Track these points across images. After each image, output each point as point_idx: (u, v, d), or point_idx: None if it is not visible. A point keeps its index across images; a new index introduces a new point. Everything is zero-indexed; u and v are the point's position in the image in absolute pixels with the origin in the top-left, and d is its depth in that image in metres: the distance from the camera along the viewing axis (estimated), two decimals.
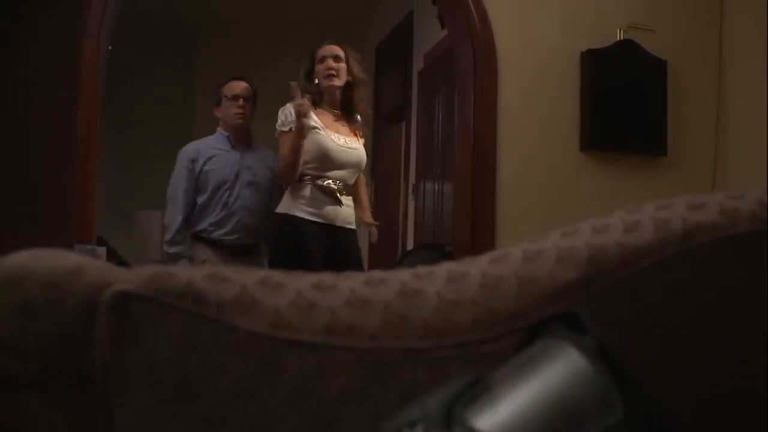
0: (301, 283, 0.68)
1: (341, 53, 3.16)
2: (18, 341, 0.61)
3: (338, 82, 3.13)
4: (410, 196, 5.08)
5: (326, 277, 0.69)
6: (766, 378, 0.69)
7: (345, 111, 3.17)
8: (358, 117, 3.21)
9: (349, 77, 3.16)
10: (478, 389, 0.48)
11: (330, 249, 2.95)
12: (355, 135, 3.16)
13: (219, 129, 3.42)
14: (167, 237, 3.30)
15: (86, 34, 2.68)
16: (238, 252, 3.28)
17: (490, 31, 3.13)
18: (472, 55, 3.14)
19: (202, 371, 0.62)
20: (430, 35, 4.61)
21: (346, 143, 3.07)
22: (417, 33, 5.07)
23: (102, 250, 2.86)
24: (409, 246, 4.97)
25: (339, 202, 3.00)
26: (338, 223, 3.01)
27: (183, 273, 0.65)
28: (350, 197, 3.09)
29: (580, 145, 3.22)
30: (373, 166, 5.86)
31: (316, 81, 3.11)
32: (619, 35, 3.23)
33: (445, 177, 4.33)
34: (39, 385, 0.63)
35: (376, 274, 0.71)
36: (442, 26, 3.85)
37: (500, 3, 3.16)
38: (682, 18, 3.35)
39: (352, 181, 3.10)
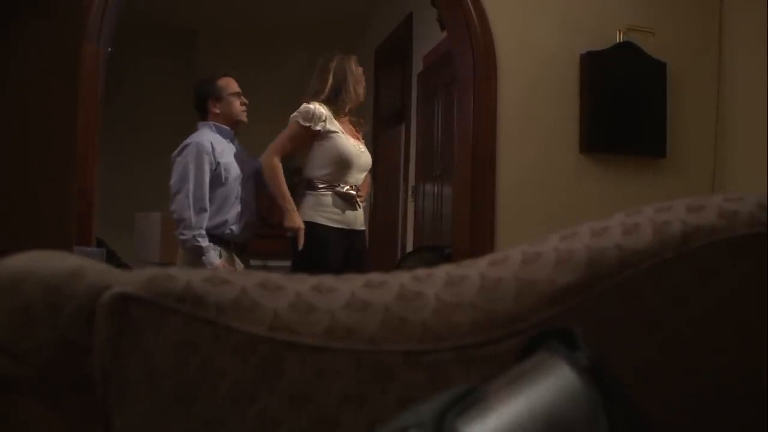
0: (300, 285, 0.67)
1: None
2: (17, 344, 0.61)
3: None
4: (410, 198, 5.08)
5: (326, 280, 0.69)
6: (766, 381, 0.69)
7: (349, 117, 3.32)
8: (362, 120, 3.38)
9: None
10: (471, 400, 0.49)
11: (348, 252, 3.10)
12: (359, 138, 3.30)
13: (213, 123, 3.33)
14: (196, 231, 3.08)
15: (86, 36, 2.68)
16: (243, 250, 3.27)
17: (490, 34, 3.13)
18: (471, 57, 3.14)
19: (201, 375, 0.62)
20: (429, 37, 4.61)
21: (359, 147, 3.22)
22: (416, 35, 5.08)
23: (101, 252, 2.85)
24: (409, 248, 4.97)
25: (357, 207, 3.15)
26: (356, 227, 3.17)
27: (182, 275, 0.65)
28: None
29: (580, 147, 3.22)
30: (372, 168, 5.88)
31: (352, 89, 3.22)
32: (619, 37, 3.23)
33: (445, 179, 4.33)
34: (38, 388, 0.63)
35: (376, 276, 0.71)
36: (442, 28, 3.86)
37: (500, 5, 3.16)
38: (682, 20, 3.35)
39: (359, 182, 3.23)
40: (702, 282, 0.70)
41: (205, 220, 3.13)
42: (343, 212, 3.11)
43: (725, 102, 3.33)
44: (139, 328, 0.62)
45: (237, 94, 3.37)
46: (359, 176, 3.21)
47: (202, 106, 3.38)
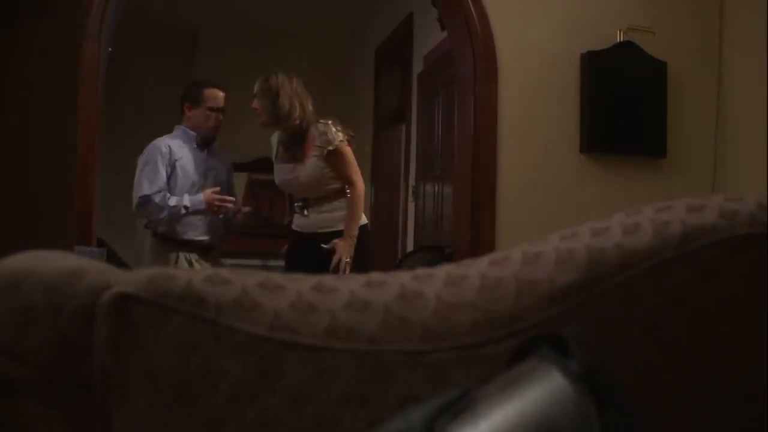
0: (301, 285, 0.67)
1: None
2: (17, 344, 0.61)
3: None
4: (410, 198, 5.08)
5: (327, 279, 0.69)
6: (766, 381, 0.69)
7: (294, 138, 3.33)
8: (315, 135, 3.28)
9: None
10: (462, 406, 0.48)
11: (298, 252, 3.35)
12: (301, 158, 3.28)
13: (184, 127, 3.41)
14: (168, 205, 3.21)
15: (86, 36, 2.68)
16: (204, 250, 3.35)
17: (490, 34, 3.13)
18: (471, 57, 3.14)
19: (202, 375, 0.62)
20: (430, 37, 4.60)
21: (291, 172, 3.32)
22: (417, 35, 5.07)
23: (102, 252, 2.85)
24: (409, 248, 4.97)
25: (303, 216, 3.34)
26: (306, 230, 3.33)
27: (183, 275, 0.65)
28: (322, 205, 3.30)
29: (580, 147, 3.22)
30: (373, 167, 5.88)
31: (282, 106, 3.26)
32: (619, 37, 3.23)
33: (445, 179, 4.33)
34: (38, 388, 0.63)
35: (376, 276, 0.71)
36: (442, 28, 3.85)
37: (500, 5, 3.16)
38: (682, 19, 3.35)
39: (316, 194, 3.31)
40: (702, 282, 0.70)
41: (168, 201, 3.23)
42: (296, 219, 3.38)
43: (725, 102, 3.33)
44: (139, 328, 0.62)
45: (216, 110, 3.40)
46: (300, 194, 3.35)
47: (181, 107, 3.47)
